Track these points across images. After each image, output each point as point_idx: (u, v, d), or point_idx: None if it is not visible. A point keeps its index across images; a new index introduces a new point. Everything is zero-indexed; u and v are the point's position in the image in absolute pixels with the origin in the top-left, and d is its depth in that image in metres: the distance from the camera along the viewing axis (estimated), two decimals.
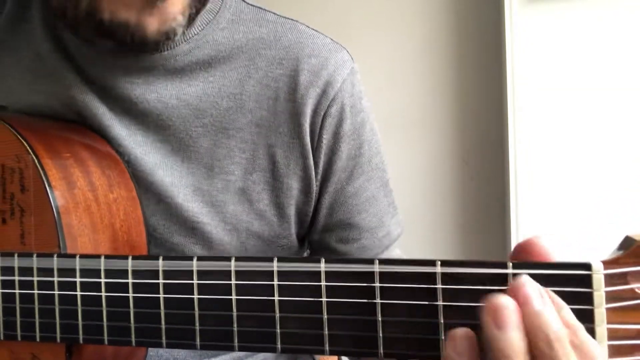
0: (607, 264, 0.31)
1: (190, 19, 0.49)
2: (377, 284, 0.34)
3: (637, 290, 0.31)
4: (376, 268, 0.34)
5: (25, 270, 0.43)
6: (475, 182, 1.38)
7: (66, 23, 0.49)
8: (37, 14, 0.55)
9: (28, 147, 0.47)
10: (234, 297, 0.37)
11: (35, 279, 0.42)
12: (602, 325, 0.31)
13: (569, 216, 1.15)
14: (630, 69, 1.11)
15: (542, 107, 1.16)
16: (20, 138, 0.47)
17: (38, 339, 0.43)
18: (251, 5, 0.58)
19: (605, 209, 1.11)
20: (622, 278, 0.31)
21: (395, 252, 0.63)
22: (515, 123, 1.17)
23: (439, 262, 0.33)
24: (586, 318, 0.31)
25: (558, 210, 1.16)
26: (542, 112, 1.16)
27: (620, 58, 1.12)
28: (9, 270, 0.43)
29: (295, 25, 0.58)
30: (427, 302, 0.33)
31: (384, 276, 0.34)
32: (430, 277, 0.33)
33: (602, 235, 1.06)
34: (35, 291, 0.42)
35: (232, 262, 0.38)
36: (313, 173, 0.57)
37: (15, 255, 0.43)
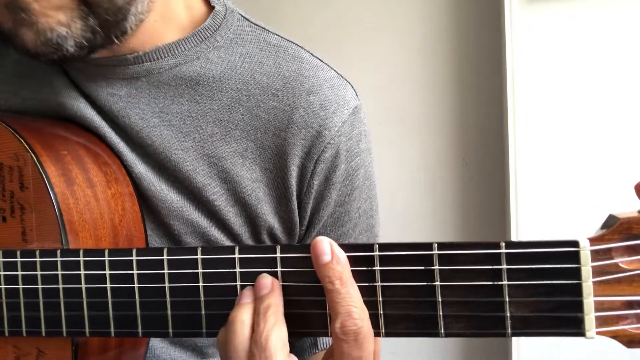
0: (593, 240, 0.35)
1: (95, 32, 0.47)
2: (378, 268, 0.39)
3: (620, 264, 0.35)
4: (376, 252, 0.39)
5: (29, 265, 0.45)
6: (475, 182, 1.41)
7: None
8: None
9: (26, 145, 0.49)
10: (238, 283, 0.41)
11: (39, 272, 0.45)
12: (589, 298, 0.35)
13: (569, 216, 1.18)
14: (630, 69, 1.14)
15: (542, 107, 1.19)
16: (18, 136, 0.49)
17: (44, 334, 0.45)
18: (254, 24, 0.57)
19: (605, 209, 1.14)
20: (607, 253, 0.35)
21: None
22: (515, 123, 1.20)
23: (436, 245, 0.38)
24: (575, 291, 0.35)
25: (558, 210, 1.19)
26: (542, 112, 1.19)
27: (620, 58, 1.14)
28: (12, 266, 0.46)
29: (299, 52, 0.56)
30: (425, 283, 0.38)
31: (384, 260, 0.38)
32: (428, 259, 0.38)
33: None
34: (40, 286, 0.45)
35: (236, 251, 0.41)
36: (297, 218, 0.56)
37: (18, 252, 0.45)
